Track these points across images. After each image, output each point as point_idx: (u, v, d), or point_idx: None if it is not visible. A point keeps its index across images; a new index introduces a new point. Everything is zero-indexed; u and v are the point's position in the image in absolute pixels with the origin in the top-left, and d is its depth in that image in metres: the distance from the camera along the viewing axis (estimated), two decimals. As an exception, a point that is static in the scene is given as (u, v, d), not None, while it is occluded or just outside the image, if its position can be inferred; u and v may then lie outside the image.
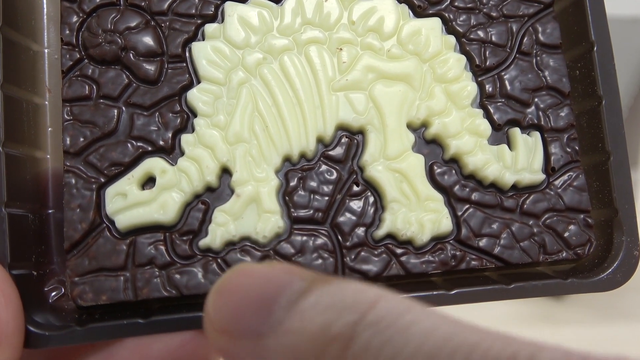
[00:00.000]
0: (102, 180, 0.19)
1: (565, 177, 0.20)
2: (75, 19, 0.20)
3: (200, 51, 0.20)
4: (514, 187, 0.20)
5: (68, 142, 0.20)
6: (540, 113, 0.21)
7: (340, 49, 0.20)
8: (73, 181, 0.19)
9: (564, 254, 0.20)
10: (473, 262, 0.20)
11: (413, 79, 0.20)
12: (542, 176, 0.20)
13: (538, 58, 0.21)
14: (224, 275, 0.14)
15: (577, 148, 0.20)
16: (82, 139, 0.20)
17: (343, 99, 0.20)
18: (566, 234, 0.20)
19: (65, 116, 0.20)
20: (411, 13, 0.21)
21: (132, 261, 0.19)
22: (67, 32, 0.20)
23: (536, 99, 0.21)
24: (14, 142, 0.19)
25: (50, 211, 0.20)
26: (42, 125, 0.21)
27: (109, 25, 0.20)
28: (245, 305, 0.13)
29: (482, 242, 0.20)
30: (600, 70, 0.20)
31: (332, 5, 0.21)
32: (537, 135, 0.20)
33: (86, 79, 0.20)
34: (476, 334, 0.11)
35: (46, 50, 0.21)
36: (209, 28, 0.20)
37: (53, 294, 0.20)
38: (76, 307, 0.19)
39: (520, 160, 0.20)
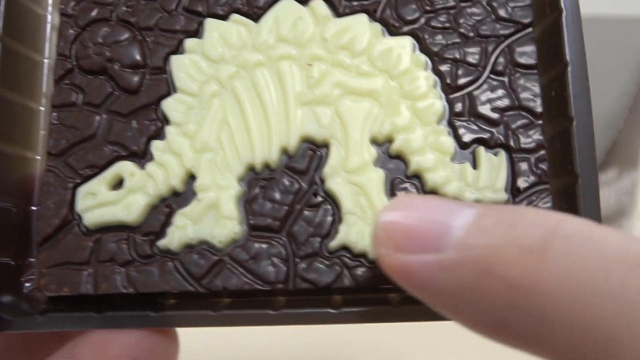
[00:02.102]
0: (78, 180, 0.21)
1: (531, 198, 0.20)
2: (71, 32, 0.22)
3: (179, 64, 0.21)
4: (478, 206, 0.20)
5: (52, 144, 0.21)
6: (510, 133, 0.20)
7: (310, 65, 0.21)
8: (52, 180, 0.21)
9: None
10: (427, 280, 0.19)
11: (380, 95, 0.21)
12: (505, 196, 0.20)
13: (512, 77, 0.21)
14: (390, 201, 0.15)
15: (545, 170, 0.20)
16: (64, 142, 0.21)
17: (309, 112, 0.21)
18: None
19: (53, 121, 0.21)
20: (386, 32, 0.22)
21: (96, 257, 0.20)
22: (63, 44, 0.22)
23: (506, 119, 0.20)
24: (5, 141, 0.21)
25: (34, 208, 0.22)
26: (35, 129, 0.22)
27: (99, 39, 0.22)
28: (420, 224, 0.14)
29: (438, 260, 0.19)
30: (574, 91, 0.20)
31: (307, 23, 0.21)
32: (502, 154, 0.20)
33: (74, 87, 0.22)
34: None
35: (46, 61, 0.23)
36: (189, 43, 0.22)
37: (28, 284, 0.21)
38: (47, 298, 0.20)
39: (482, 179, 0.20)
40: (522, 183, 0.20)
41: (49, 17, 0.23)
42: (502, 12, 0.21)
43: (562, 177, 0.20)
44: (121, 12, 0.22)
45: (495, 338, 0.13)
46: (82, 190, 0.21)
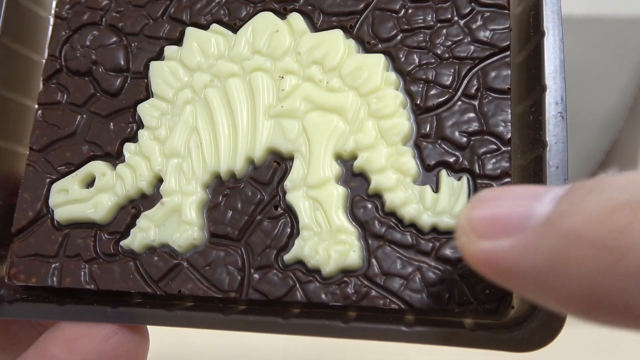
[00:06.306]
0: (54, 177, 0.22)
1: (490, 226, 0.19)
2: (62, 34, 0.23)
3: (157, 70, 0.22)
4: (436, 230, 0.20)
5: (34, 139, 0.22)
6: (475, 158, 0.20)
7: (282, 77, 0.21)
8: (31, 174, 0.22)
9: (472, 306, 0.19)
10: (376, 300, 0.19)
11: (347, 111, 0.21)
12: (462, 222, 0.19)
13: (484, 100, 0.20)
14: (472, 199, 0.15)
15: (509, 198, 0.19)
16: (45, 138, 0.22)
17: (277, 124, 0.21)
18: (480, 286, 0.19)
19: (37, 117, 0.22)
20: (361, 48, 0.22)
21: (64, 252, 0.21)
22: (54, 45, 0.23)
23: (472, 143, 0.20)
24: (-3, 136, 0.22)
25: (18, 200, 0.23)
26: (28, 126, 0.23)
27: (87, 42, 0.23)
28: (504, 209, 0.13)
29: (389, 281, 0.19)
30: (549, 116, 0.19)
31: (282, 36, 0.22)
32: (464, 179, 0.20)
33: (61, 87, 0.23)
34: None
35: (44, 61, 0.24)
36: (169, 50, 0.22)
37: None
38: (23, 287, 0.21)
39: (440, 203, 0.19)
40: (481, 210, 0.19)
41: (51, 20, 0.24)
42: (479, 35, 0.21)
43: (525, 206, 0.19)
44: (110, 16, 0.23)
45: (587, 314, 0.12)
46: (56, 186, 0.21)
